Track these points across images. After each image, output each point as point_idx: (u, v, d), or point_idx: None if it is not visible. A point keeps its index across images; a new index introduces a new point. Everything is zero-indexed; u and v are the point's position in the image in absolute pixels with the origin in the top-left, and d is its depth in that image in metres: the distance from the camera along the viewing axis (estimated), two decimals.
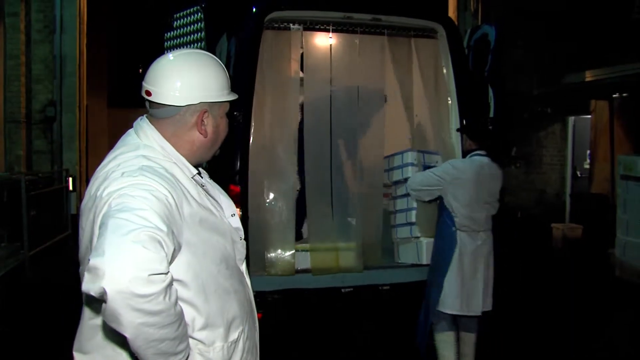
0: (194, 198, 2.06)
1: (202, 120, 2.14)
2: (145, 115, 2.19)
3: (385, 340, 5.75)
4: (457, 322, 5.00)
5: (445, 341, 4.93)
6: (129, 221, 1.70)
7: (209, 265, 2.07)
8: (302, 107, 5.65)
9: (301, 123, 5.62)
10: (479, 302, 4.84)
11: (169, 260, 1.78)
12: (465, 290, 4.83)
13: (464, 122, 5.48)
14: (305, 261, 5.49)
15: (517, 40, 11.75)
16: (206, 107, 2.14)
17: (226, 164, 5.06)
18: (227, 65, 5.09)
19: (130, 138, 2.15)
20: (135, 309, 1.64)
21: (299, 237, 5.77)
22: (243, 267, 2.34)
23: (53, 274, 7.91)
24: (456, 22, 10.72)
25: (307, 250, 5.50)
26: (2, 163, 11.49)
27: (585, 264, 9.11)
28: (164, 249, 1.73)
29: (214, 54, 5.27)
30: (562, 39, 11.59)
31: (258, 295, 5.09)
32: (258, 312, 5.16)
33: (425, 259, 5.48)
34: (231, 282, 2.16)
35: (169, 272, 1.73)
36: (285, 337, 5.52)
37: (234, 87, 4.89)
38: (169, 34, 5.82)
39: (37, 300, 7.10)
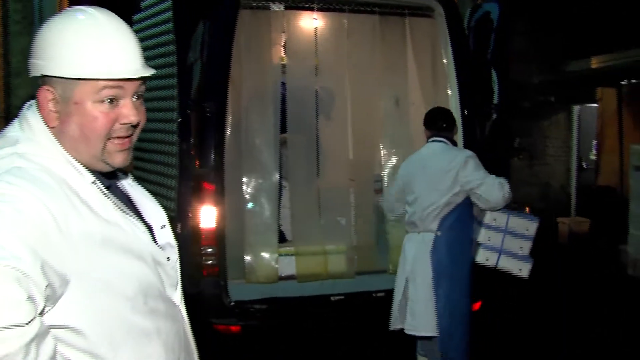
0: (92, 210, 1.49)
1: (47, 102, 1.52)
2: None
3: (380, 353, 5.20)
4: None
5: None
6: None
7: (117, 302, 1.51)
8: (284, 96, 5.13)
9: (284, 114, 5.10)
10: (405, 318, 4.33)
11: (41, 301, 1.28)
12: (403, 300, 4.37)
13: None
14: (289, 267, 4.99)
15: (519, 25, 11.21)
16: (50, 84, 1.51)
17: (199, 159, 4.56)
18: (201, 51, 4.60)
19: (10, 129, 1.58)
20: None
21: (281, 239, 5.24)
22: (176, 296, 1.76)
23: None
24: (457, 3, 10.18)
25: (291, 255, 5.00)
26: None
27: (595, 262, 8.60)
28: (25, 288, 1.23)
29: (190, 44, 4.80)
30: (565, 23, 11.13)
31: (237, 305, 4.67)
32: (237, 325, 4.71)
33: None
34: (153, 320, 1.60)
35: (33, 319, 1.24)
36: (268, 351, 4.97)
37: (206, 74, 4.25)
38: (136, 16, 5.28)
39: None
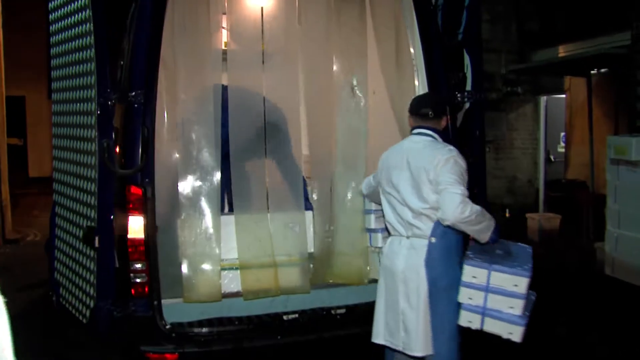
0: None
1: None
2: None
3: None
4: None
5: None
6: None
7: None
8: (226, 87, 4.54)
9: (225, 106, 4.48)
10: (398, 333, 3.66)
11: None
12: (388, 314, 3.72)
13: None
14: (234, 282, 4.38)
15: (483, 12, 10.78)
16: None
17: (124, 159, 3.95)
18: (129, 33, 3.99)
19: None
20: None
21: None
22: None
23: None
24: None
25: (236, 268, 4.36)
26: None
27: (569, 261, 8.11)
28: None
29: (110, 23, 4.15)
30: (532, 10, 10.87)
31: (174, 328, 3.97)
32: (173, 352, 4.08)
33: None
34: None
35: None
36: None
37: (132, 58, 3.56)
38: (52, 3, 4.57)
39: None
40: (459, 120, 4.51)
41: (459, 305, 3.58)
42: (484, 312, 3.49)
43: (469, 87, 4.45)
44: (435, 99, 3.94)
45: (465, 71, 4.46)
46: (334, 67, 4.75)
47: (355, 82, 4.77)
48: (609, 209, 7.25)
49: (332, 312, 4.41)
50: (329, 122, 4.77)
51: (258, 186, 4.48)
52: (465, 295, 3.54)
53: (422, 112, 3.71)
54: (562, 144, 11.47)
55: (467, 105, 4.47)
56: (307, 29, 4.71)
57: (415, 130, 3.73)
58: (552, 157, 11.65)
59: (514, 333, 3.45)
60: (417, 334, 3.57)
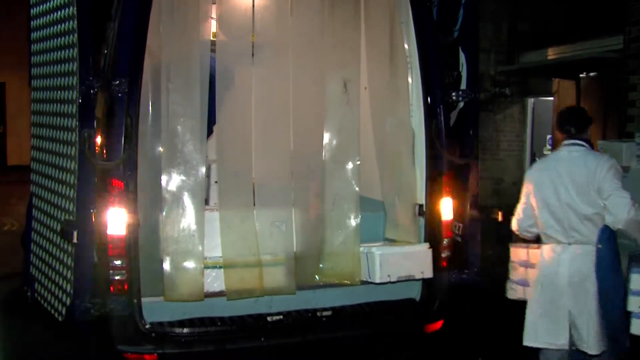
0: None
1: None
2: None
3: None
4: None
5: None
6: None
7: None
8: (214, 77, 4.41)
9: (212, 97, 4.36)
10: (564, 335, 3.80)
11: None
12: (546, 318, 3.85)
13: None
14: (217, 281, 4.24)
15: None
16: None
17: (106, 150, 3.82)
18: (114, 20, 3.90)
19: None
20: None
21: None
22: None
23: None
24: None
25: (219, 267, 4.24)
26: None
27: None
28: None
29: (94, 6, 4.02)
30: (521, 11, 10.80)
31: (154, 328, 3.76)
32: (153, 353, 3.95)
33: (379, 276, 4.29)
34: None
35: None
36: None
37: (116, 44, 3.43)
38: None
39: None
40: (452, 120, 4.43)
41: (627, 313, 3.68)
42: None
43: (463, 85, 4.39)
44: (582, 111, 4.23)
45: (461, 70, 4.39)
46: (326, 62, 4.64)
47: (346, 78, 4.67)
48: None
49: (318, 313, 4.34)
50: (318, 117, 4.66)
51: (244, 181, 4.36)
52: (636, 304, 3.63)
53: (579, 124, 3.91)
54: (548, 146, 11.43)
55: (461, 104, 4.41)
56: (300, 21, 4.60)
57: (569, 141, 3.88)
58: (537, 159, 11.65)
59: None
60: (589, 335, 3.71)
